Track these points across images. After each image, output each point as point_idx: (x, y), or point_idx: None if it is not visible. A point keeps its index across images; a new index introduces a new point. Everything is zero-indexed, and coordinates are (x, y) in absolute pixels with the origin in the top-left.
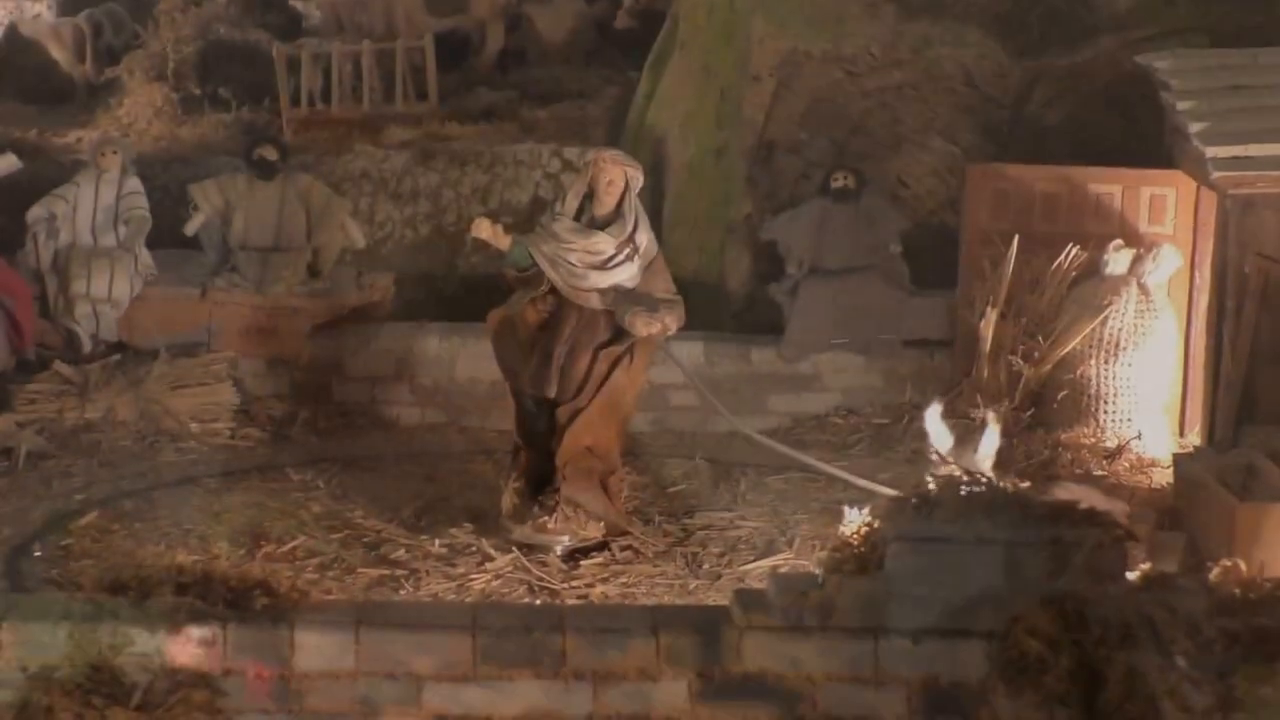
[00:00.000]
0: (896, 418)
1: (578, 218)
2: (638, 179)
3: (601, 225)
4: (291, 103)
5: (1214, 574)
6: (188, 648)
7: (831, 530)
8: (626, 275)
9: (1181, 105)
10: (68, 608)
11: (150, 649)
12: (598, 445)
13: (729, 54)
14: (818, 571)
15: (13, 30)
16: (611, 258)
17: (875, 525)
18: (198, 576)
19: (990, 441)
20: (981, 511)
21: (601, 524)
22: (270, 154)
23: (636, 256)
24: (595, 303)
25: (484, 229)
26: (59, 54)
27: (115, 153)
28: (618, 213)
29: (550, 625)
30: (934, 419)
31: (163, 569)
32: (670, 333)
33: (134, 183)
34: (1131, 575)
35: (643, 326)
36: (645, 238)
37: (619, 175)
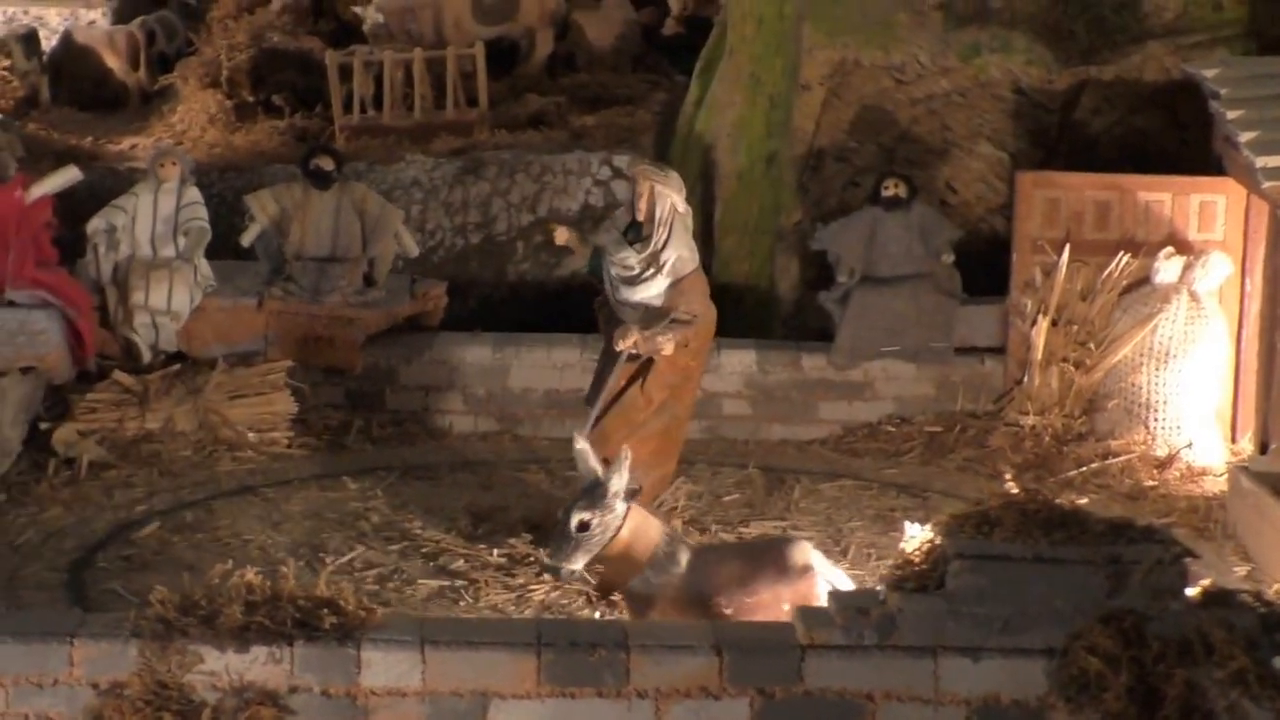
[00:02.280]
0: (949, 426)
1: (631, 230)
2: (666, 194)
3: (644, 239)
4: (344, 110)
5: (1274, 589)
6: (256, 666)
7: (885, 539)
8: (653, 292)
9: (1231, 114)
10: (138, 625)
11: (219, 667)
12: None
13: (778, 62)
14: (879, 589)
15: (68, 38)
16: (639, 274)
17: (936, 543)
18: (266, 595)
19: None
20: (1041, 529)
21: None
22: (326, 164)
23: (660, 275)
24: (628, 316)
25: (564, 236)
26: (113, 61)
27: (174, 163)
28: (650, 228)
29: (615, 643)
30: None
31: (232, 588)
32: (664, 353)
33: (193, 193)
34: (1191, 592)
35: (620, 341)
36: (673, 255)
37: (646, 189)
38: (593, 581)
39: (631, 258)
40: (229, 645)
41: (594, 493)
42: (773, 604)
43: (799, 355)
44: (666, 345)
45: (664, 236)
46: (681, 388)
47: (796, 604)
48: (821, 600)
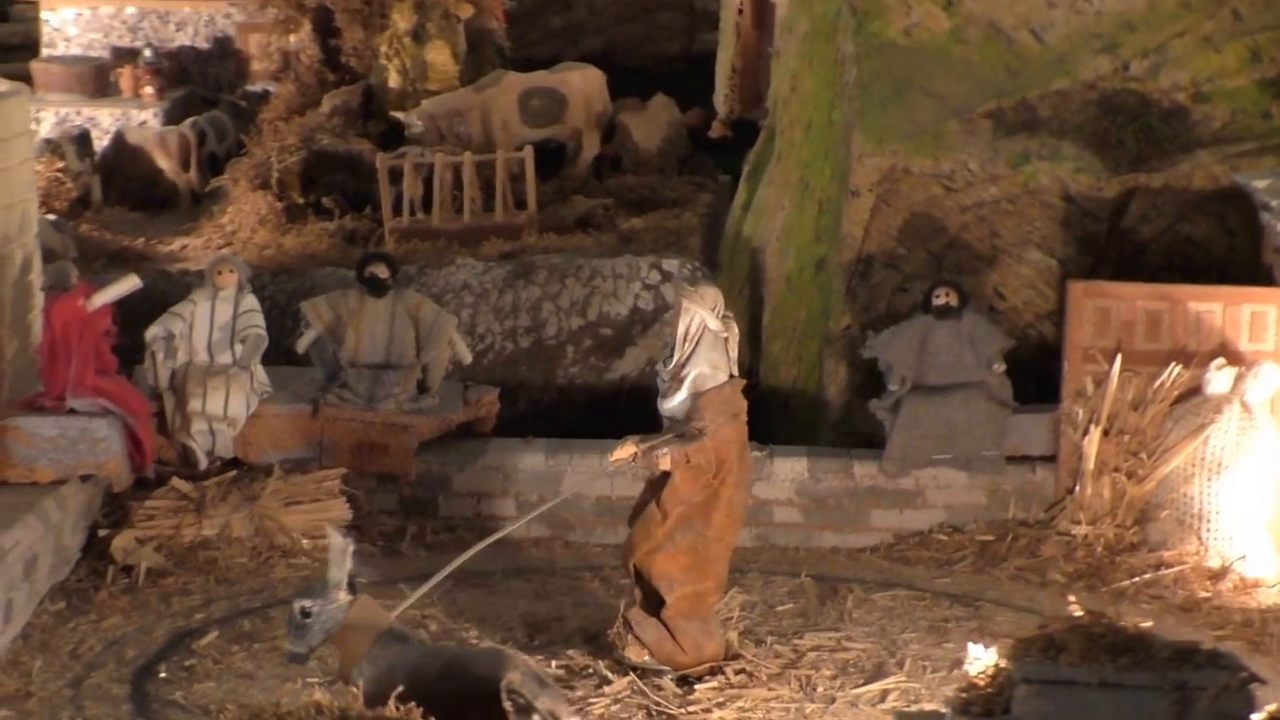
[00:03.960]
0: (1000, 535)
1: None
2: (692, 310)
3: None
4: (393, 212)
5: None
6: None
7: (940, 650)
8: (676, 404)
9: None
10: None
11: None
12: (643, 570)
13: (827, 168)
14: (944, 712)
15: (119, 138)
16: (666, 387)
17: (1002, 666)
18: (336, 715)
19: None
20: (1107, 653)
21: (645, 652)
22: (381, 271)
23: (681, 389)
24: (666, 428)
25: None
26: (164, 162)
27: (232, 271)
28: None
29: None
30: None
31: (301, 707)
32: (660, 468)
33: (250, 300)
34: (1258, 717)
35: (613, 452)
36: (694, 370)
37: (679, 303)
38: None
39: (663, 370)
40: None
41: (320, 583)
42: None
43: (850, 463)
44: (663, 460)
45: (688, 352)
46: (708, 506)
47: None
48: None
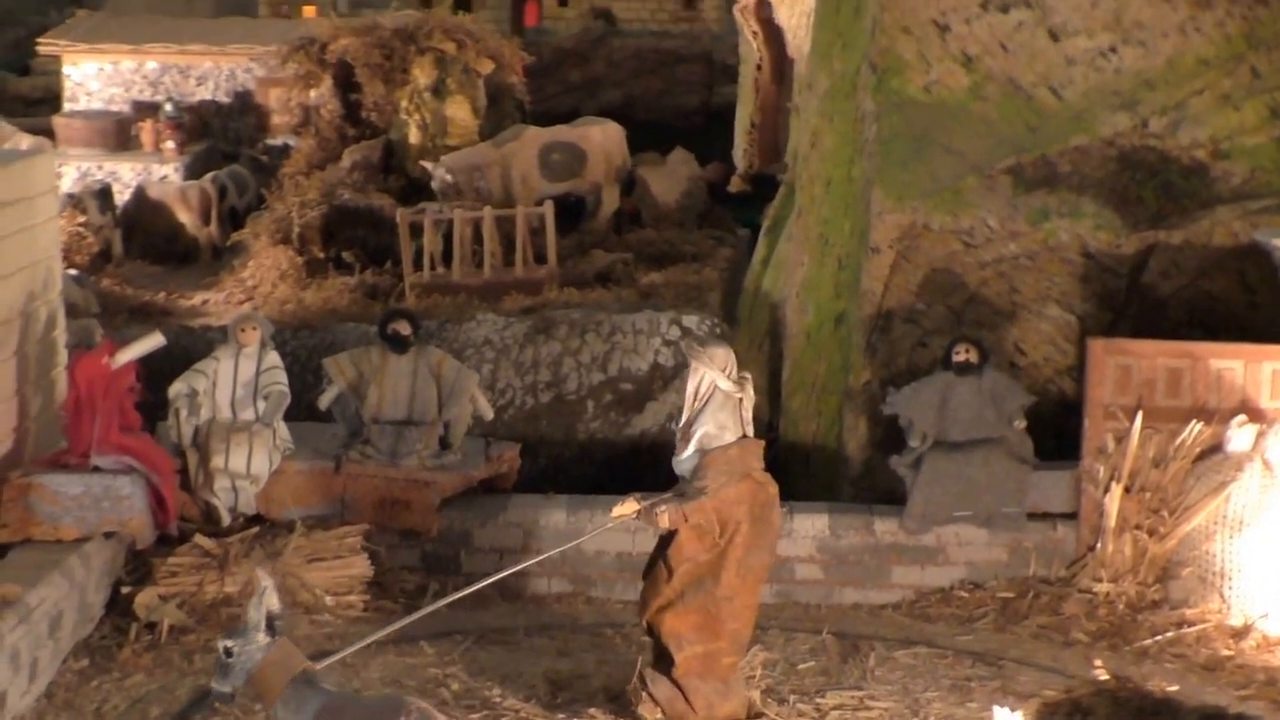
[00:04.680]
0: (1022, 592)
1: None
2: (700, 370)
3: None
4: (414, 267)
5: None
6: None
7: (963, 710)
8: (684, 462)
9: None
10: None
11: None
12: (655, 627)
13: (847, 224)
14: None
15: (141, 193)
16: (678, 445)
17: None
18: None
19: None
20: (1133, 718)
21: (659, 710)
22: (404, 328)
23: (689, 447)
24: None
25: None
26: (185, 216)
27: (255, 328)
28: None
29: None
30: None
31: None
32: (659, 525)
33: (273, 357)
34: None
35: (616, 508)
36: (701, 430)
37: (692, 364)
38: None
39: (678, 430)
40: None
41: (242, 624)
42: None
43: (871, 519)
44: (661, 518)
45: (696, 411)
46: (717, 566)
47: None
48: None
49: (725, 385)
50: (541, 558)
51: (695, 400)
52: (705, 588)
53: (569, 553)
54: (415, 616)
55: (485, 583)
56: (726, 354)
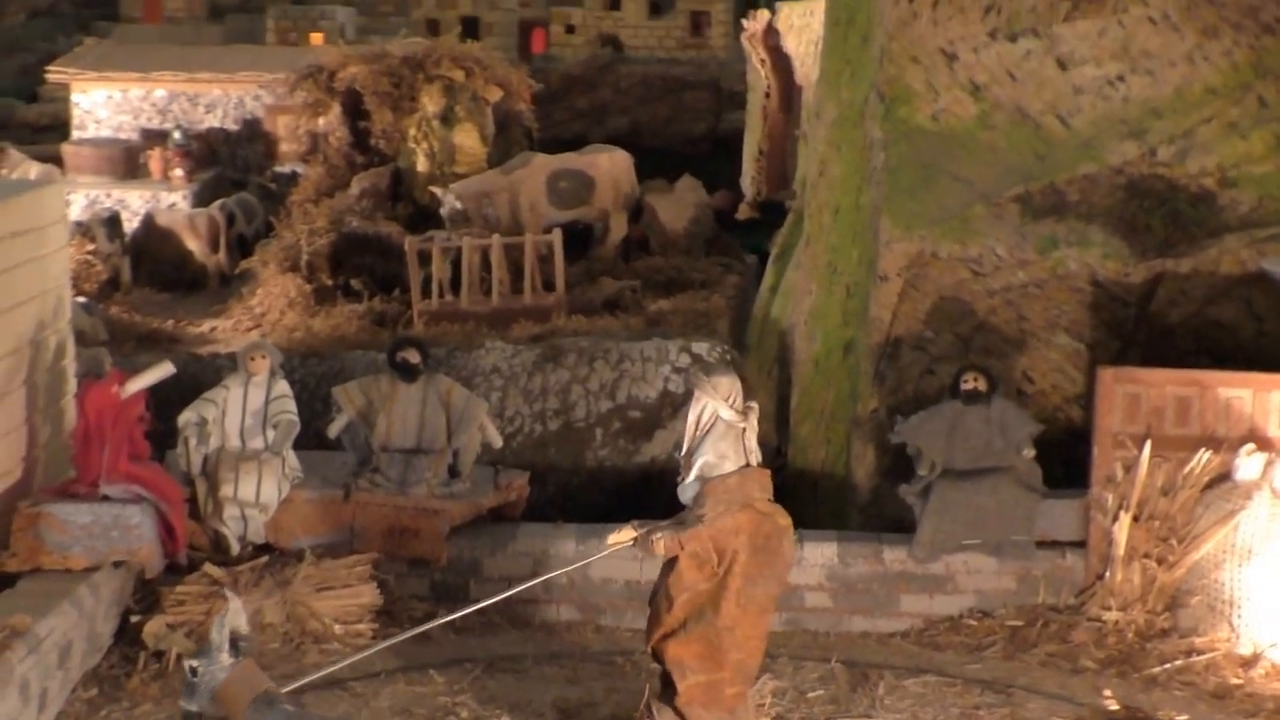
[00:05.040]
0: (1030, 620)
1: None
2: (702, 400)
3: None
4: (422, 294)
5: None
6: None
7: None
8: (686, 490)
9: None
10: None
11: None
12: (659, 655)
13: (855, 252)
14: None
15: (149, 220)
16: (681, 473)
17: None
18: None
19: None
20: None
21: None
22: (413, 357)
23: (690, 476)
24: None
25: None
26: (194, 244)
27: (264, 357)
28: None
29: None
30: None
31: None
32: (655, 553)
33: (282, 386)
34: None
35: (611, 534)
36: (701, 459)
37: (695, 392)
38: None
39: (682, 458)
40: None
41: (207, 645)
42: None
43: (880, 548)
44: (656, 546)
45: (698, 440)
46: (717, 595)
47: None
48: None
49: (727, 415)
50: (526, 585)
51: (697, 429)
52: (706, 617)
53: (577, 581)
54: (373, 650)
55: (460, 613)
56: (731, 383)
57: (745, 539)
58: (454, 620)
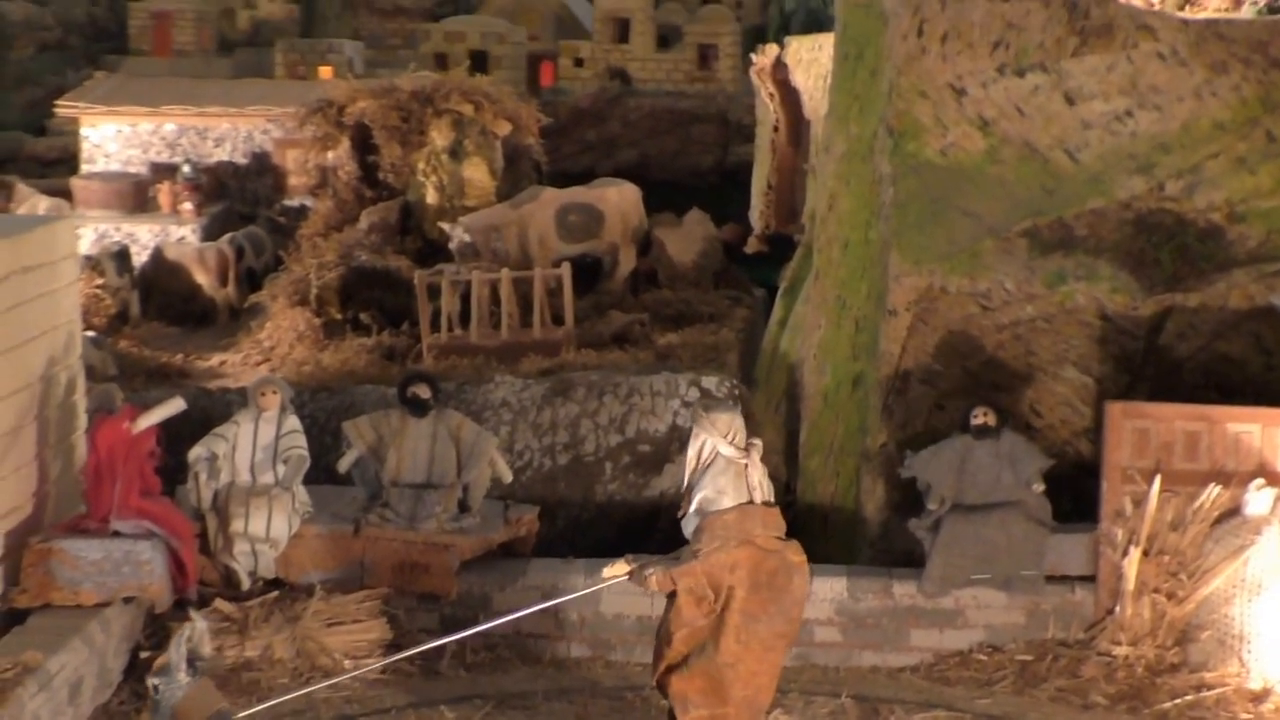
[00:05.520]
0: (1040, 655)
1: None
2: (701, 436)
3: None
4: (431, 328)
5: None
6: None
7: None
8: (686, 524)
9: None
10: None
11: None
12: (664, 688)
13: (864, 286)
14: None
15: (158, 254)
16: (682, 508)
17: None
18: None
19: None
20: None
21: None
22: (424, 392)
23: (689, 511)
24: None
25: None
26: (203, 278)
27: (275, 392)
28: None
29: None
30: None
31: None
32: (649, 588)
33: (293, 421)
34: None
35: (605, 568)
36: (700, 494)
37: (694, 428)
38: None
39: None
40: None
41: (165, 664)
42: None
43: (890, 582)
44: (649, 581)
45: (697, 475)
46: (717, 631)
47: None
48: None
49: (727, 451)
50: (520, 614)
51: (697, 464)
52: (707, 653)
53: (588, 618)
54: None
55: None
56: (730, 419)
57: (744, 575)
58: (426, 651)
